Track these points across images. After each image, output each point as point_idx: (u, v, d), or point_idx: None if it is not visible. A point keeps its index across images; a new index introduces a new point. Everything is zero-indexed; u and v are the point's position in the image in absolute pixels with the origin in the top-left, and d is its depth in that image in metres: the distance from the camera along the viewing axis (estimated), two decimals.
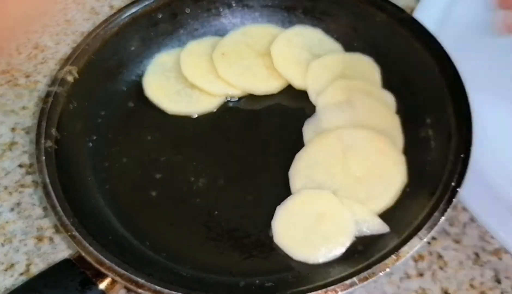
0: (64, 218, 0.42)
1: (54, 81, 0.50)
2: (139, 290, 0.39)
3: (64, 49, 0.63)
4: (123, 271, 0.39)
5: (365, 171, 0.48)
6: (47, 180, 0.44)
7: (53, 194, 0.43)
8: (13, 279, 0.47)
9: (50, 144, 0.47)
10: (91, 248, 0.41)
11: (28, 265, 0.48)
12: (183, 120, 0.54)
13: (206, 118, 0.55)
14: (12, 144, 0.56)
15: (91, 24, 0.66)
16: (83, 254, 0.40)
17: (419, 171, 0.47)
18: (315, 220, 0.46)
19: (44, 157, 0.45)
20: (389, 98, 0.53)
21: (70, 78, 0.51)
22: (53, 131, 0.48)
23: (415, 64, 0.53)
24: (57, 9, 0.68)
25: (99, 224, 0.45)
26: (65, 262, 0.42)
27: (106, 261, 0.40)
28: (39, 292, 0.40)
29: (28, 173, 0.53)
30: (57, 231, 0.49)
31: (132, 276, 0.39)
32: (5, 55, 0.63)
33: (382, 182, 0.47)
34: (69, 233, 0.41)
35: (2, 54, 0.63)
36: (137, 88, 0.56)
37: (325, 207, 0.46)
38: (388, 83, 0.54)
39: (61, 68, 0.51)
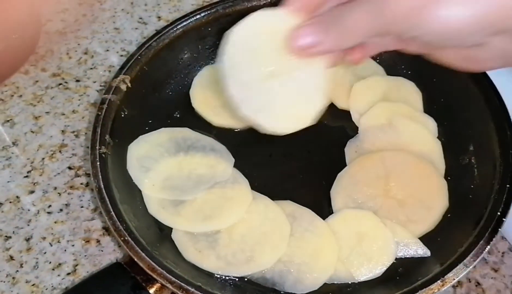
0: (118, 223, 0.43)
1: (108, 89, 0.52)
2: None
3: (113, 57, 0.65)
4: (174, 279, 0.41)
5: (406, 194, 0.49)
6: (102, 185, 0.45)
7: (107, 199, 0.45)
8: (60, 279, 0.48)
9: (104, 150, 0.48)
10: (143, 254, 0.42)
11: (75, 266, 0.49)
12: (226, 132, 0.56)
13: (249, 133, 0.56)
14: (62, 146, 0.57)
15: (139, 33, 0.68)
16: (136, 259, 0.42)
17: (461, 198, 0.48)
18: (356, 239, 0.47)
19: (99, 163, 0.47)
20: (431, 123, 0.54)
21: (123, 87, 0.52)
22: (107, 137, 0.49)
23: (459, 92, 0.54)
24: (106, 16, 0.70)
25: (148, 230, 0.46)
26: (116, 266, 0.43)
27: (158, 267, 0.41)
28: None
29: (77, 175, 0.55)
30: (104, 233, 0.51)
31: (183, 284, 0.40)
32: (56, 58, 0.65)
33: (423, 206, 0.48)
34: (122, 238, 0.43)
35: (53, 57, 0.66)
36: (184, 99, 0.58)
37: (366, 226, 0.47)
38: (429, 109, 0.56)
39: (115, 76, 0.53)
